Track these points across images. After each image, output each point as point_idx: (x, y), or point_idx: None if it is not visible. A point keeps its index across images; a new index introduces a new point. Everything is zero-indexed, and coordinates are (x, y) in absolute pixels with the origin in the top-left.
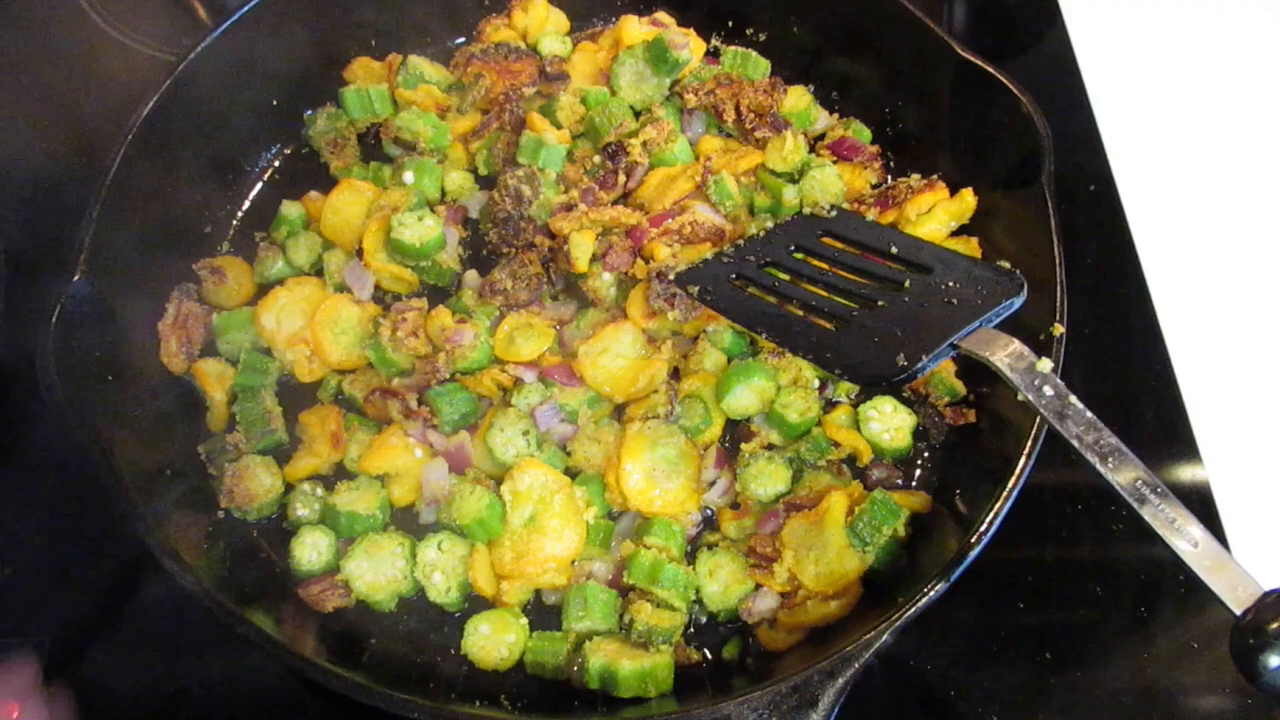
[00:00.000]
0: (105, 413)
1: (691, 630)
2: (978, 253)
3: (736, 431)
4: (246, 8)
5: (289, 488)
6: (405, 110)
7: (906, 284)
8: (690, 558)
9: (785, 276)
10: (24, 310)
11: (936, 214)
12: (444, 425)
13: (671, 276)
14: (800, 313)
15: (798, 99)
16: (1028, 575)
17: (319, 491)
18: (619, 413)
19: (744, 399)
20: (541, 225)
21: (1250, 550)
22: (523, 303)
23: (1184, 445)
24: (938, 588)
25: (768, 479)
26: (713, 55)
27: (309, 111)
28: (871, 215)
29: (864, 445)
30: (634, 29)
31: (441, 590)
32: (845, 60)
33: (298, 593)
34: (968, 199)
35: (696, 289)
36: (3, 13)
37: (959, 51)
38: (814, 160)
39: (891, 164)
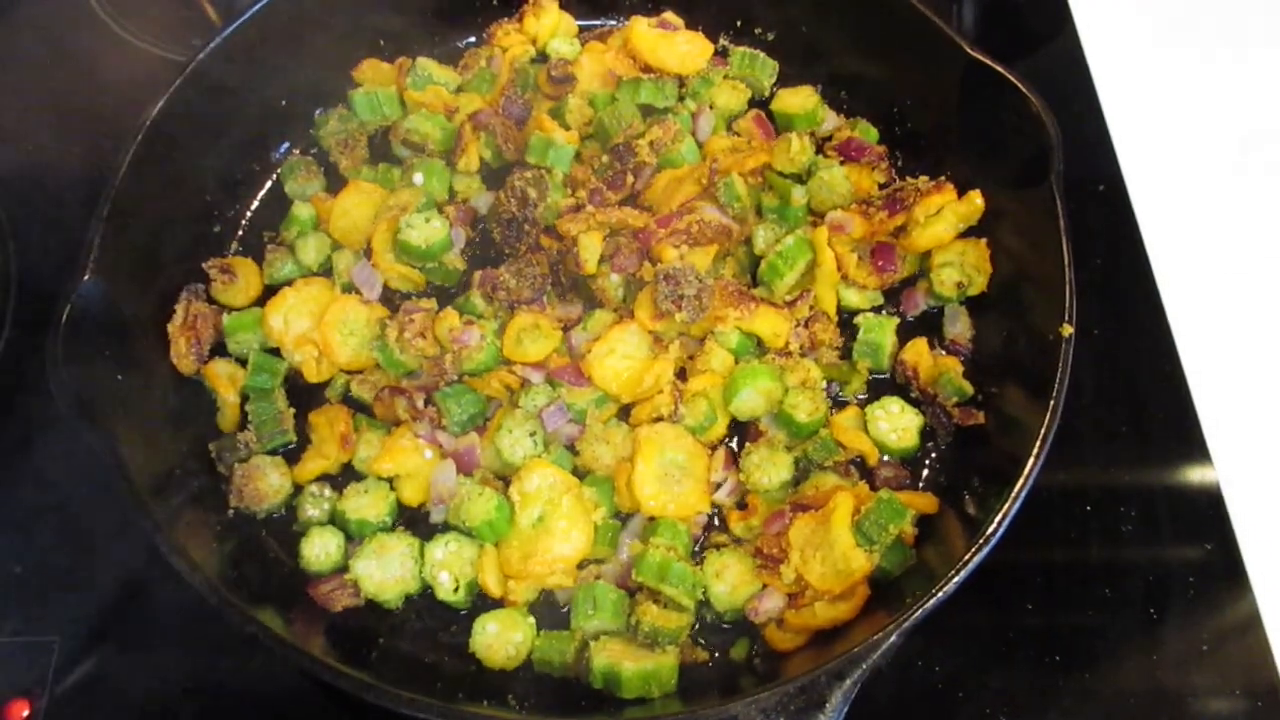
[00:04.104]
0: (114, 413)
1: (699, 630)
2: (985, 253)
3: (745, 432)
4: (255, 8)
5: (298, 488)
6: (414, 112)
7: None
8: (698, 558)
9: None
10: (34, 310)
11: (945, 216)
12: (452, 426)
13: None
14: None
15: (805, 99)
16: (1036, 577)
17: (327, 492)
18: (624, 412)
19: (751, 401)
20: (548, 228)
21: (1260, 553)
22: (526, 300)
23: (1194, 446)
24: (945, 589)
25: (770, 467)
26: (720, 55)
27: (319, 112)
28: (880, 217)
29: (870, 448)
30: (643, 30)
31: (449, 590)
32: (853, 60)
33: (307, 592)
34: (976, 201)
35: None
36: (12, 13)
37: (968, 51)
38: (821, 161)
39: (899, 163)
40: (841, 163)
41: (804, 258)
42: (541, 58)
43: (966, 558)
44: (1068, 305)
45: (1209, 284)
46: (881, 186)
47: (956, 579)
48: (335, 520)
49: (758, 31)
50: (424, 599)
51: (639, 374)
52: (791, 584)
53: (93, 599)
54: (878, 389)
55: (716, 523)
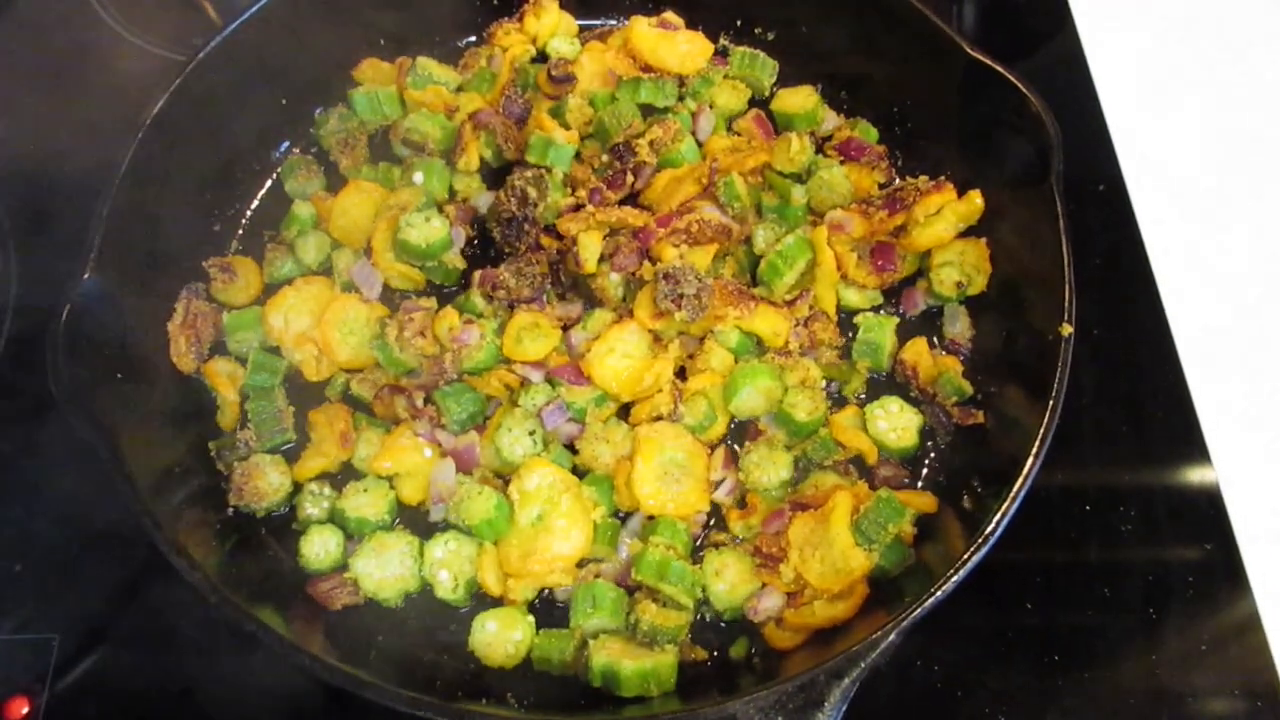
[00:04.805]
0: (115, 411)
1: (698, 629)
2: (985, 253)
3: (745, 431)
4: (255, 8)
5: (298, 487)
6: (414, 112)
7: None
8: (697, 557)
9: None
10: (34, 308)
11: (945, 216)
12: (452, 425)
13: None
14: None
15: (805, 99)
16: (1035, 576)
17: (327, 491)
18: (624, 411)
19: (751, 400)
20: (547, 227)
21: (1260, 553)
22: (525, 299)
23: (1193, 447)
24: (944, 588)
25: (769, 466)
26: (720, 55)
27: (319, 111)
28: (880, 217)
29: (869, 447)
30: (643, 30)
31: (448, 588)
32: (854, 59)
33: (306, 590)
34: (975, 201)
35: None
36: (14, 12)
37: (968, 51)
38: (821, 161)
39: (899, 163)
40: (841, 162)
41: (804, 257)
42: (541, 57)
43: (965, 557)
44: (1067, 305)
45: (1209, 284)
46: (881, 186)
47: (955, 578)
48: (335, 519)
49: (758, 31)
50: (423, 597)
51: (639, 373)
52: (790, 583)
53: (93, 597)
54: (877, 388)
55: (716, 522)
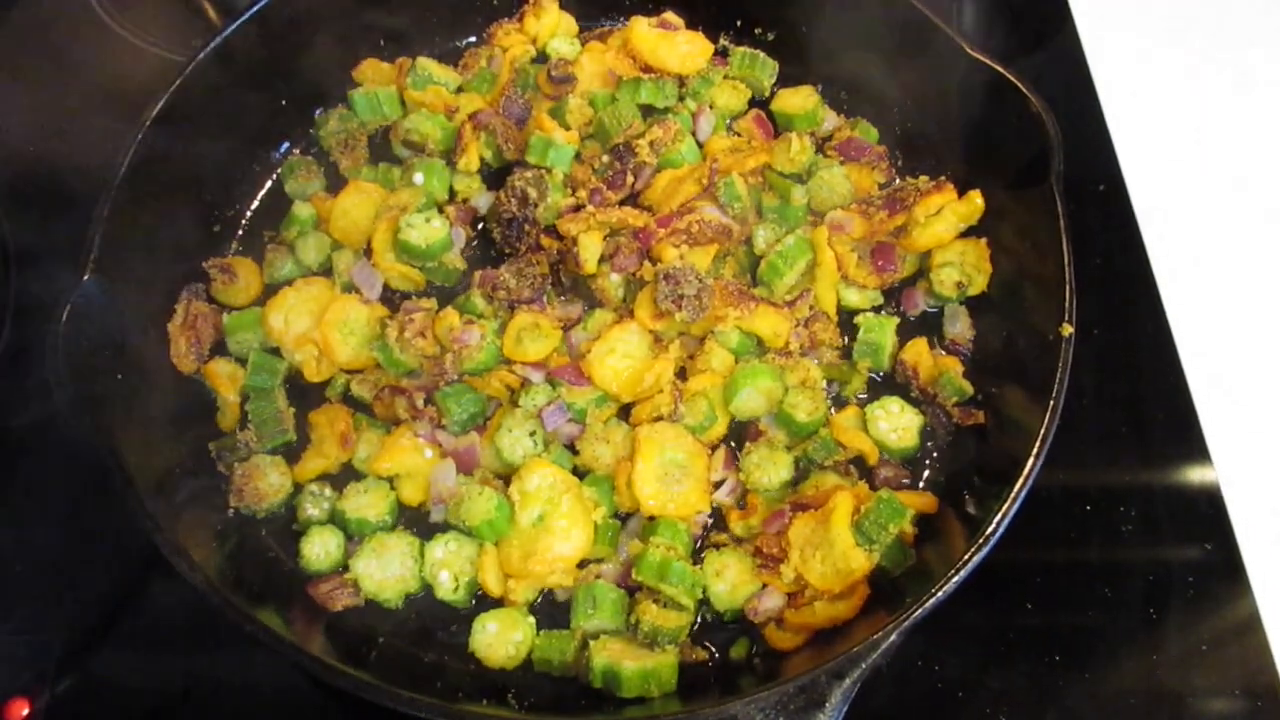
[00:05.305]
0: (115, 412)
1: (699, 630)
2: (985, 253)
3: (745, 432)
4: (255, 8)
5: (298, 488)
6: (414, 112)
7: None
8: (698, 558)
9: None
10: (34, 309)
11: (945, 216)
12: (452, 425)
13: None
14: None
15: (805, 99)
16: (1036, 577)
17: (327, 492)
18: (624, 412)
19: (751, 401)
20: (547, 228)
21: (1260, 553)
22: (525, 300)
23: (1194, 447)
24: (945, 589)
25: (770, 467)
26: (720, 55)
27: (319, 111)
28: (880, 217)
29: (870, 447)
30: (643, 30)
31: (449, 589)
32: (853, 60)
33: (307, 591)
34: (976, 201)
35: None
36: (12, 13)
37: (968, 51)
38: (821, 161)
39: (899, 163)
40: (841, 163)
41: (804, 257)
42: (541, 58)
43: (966, 557)
44: (1068, 305)
45: (1209, 284)
46: (881, 186)
47: (956, 578)
48: (335, 519)
49: (758, 31)
50: (424, 598)
51: (639, 373)
52: (791, 583)
53: (93, 598)
54: (878, 389)
55: (716, 522)
